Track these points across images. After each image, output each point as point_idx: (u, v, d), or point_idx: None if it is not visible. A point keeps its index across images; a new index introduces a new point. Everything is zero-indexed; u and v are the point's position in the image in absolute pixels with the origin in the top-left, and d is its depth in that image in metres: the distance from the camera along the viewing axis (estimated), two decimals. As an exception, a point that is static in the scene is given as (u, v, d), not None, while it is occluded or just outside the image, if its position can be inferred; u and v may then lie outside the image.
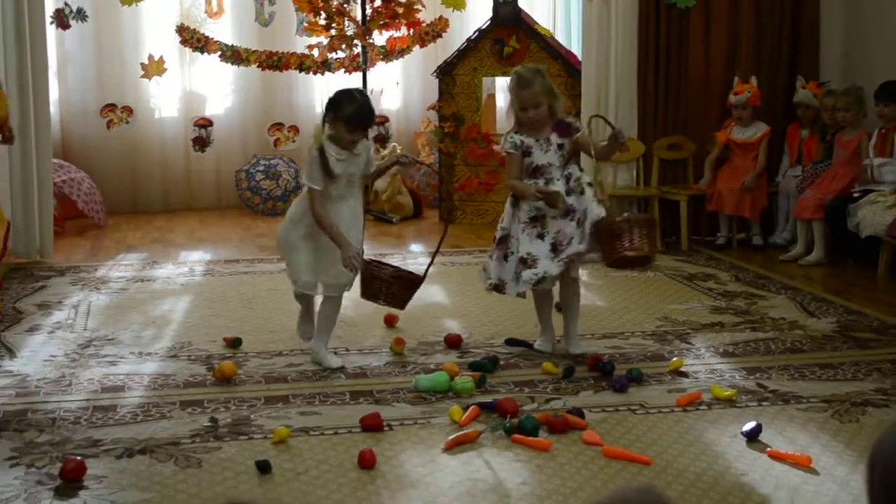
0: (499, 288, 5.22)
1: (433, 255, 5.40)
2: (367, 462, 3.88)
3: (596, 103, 8.51)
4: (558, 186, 5.06)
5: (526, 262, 5.10)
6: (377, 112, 10.46)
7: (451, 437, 4.14)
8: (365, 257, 5.10)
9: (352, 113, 4.94)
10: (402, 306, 5.25)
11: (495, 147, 5.29)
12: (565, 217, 5.07)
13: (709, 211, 8.40)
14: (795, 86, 8.34)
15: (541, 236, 5.10)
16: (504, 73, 9.40)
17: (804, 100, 8.23)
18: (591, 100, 8.54)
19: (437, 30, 10.11)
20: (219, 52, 9.99)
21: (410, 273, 5.27)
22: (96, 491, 3.70)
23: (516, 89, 5.09)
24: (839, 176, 7.68)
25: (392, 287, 5.14)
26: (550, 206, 5.03)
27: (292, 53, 10.09)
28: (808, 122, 8.24)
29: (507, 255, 5.18)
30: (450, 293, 6.72)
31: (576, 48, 9.95)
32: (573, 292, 5.34)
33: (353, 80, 10.21)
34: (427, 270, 5.27)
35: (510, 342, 5.50)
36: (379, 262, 5.29)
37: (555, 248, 5.07)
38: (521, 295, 5.21)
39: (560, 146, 5.10)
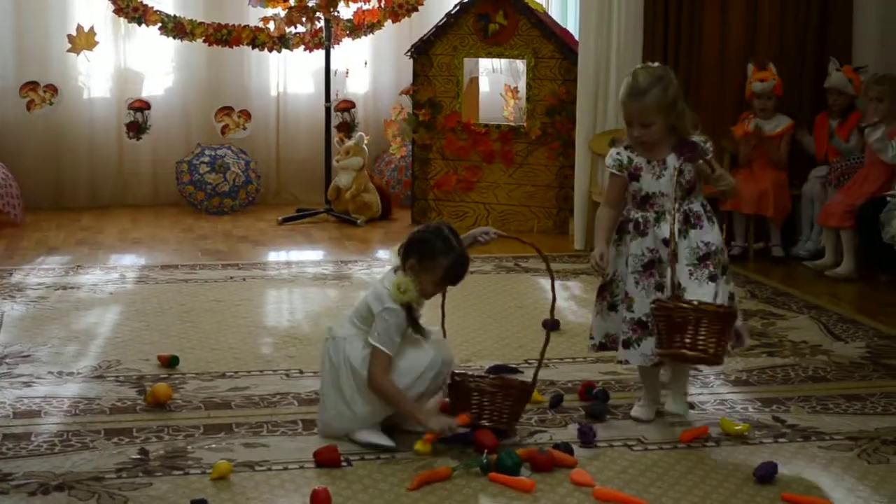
0: (606, 346, 4.89)
1: (539, 364, 4.75)
2: (321, 502, 3.88)
3: (594, 91, 8.54)
4: (666, 225, 4.63)
5: (646, 325, 4.70)
6: (341, 96, 10.55)
7: (418, 475, 4.15)
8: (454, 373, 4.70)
9: (450, 266, 4.50)
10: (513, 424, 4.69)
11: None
12: None
13: (723, 212, 8.39)
14: (828, 69, 8.32)
15: (660, 287, 4.68)
16: (488, 54, 9.44)
17: (837, 84, 8.23)
18: (588, 86, 8.56)
19: (412, 2, 10.12)
20: (159, 24, 9.96)
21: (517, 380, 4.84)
22: (5, 533, 3.69)
23: (624, 98, 4.67)
24: (871, 177, 7.71)
25: (496, 400, 4.59)
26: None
27: (244, 27, 10.07)
28: (839, 112, 8.25)
29: (615, 305, 4.82)
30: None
31: (572, 26, 9.97)
32: None
33: (314, 59, 10.22)
34: (535, 377, 4.75)
35: (495, 370, 5.44)
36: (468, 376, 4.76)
37: None
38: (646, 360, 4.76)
39: (680, 172, 4.64)
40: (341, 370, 4.49)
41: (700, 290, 4.54)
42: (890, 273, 7.60)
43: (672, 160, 4.64)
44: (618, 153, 4.75)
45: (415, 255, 4.48)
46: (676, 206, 4.61)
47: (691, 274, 4.59)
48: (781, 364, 5.70)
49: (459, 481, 4.15)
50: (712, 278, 4.59)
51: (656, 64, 4.81)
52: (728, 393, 5.22)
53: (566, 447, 4.41)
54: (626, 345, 4.71)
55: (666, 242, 4.58)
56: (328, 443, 4.40)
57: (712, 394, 5.20)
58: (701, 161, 4.60)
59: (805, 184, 8.37)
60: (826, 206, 7.82)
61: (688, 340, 4.41)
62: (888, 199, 7.26)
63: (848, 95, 8.16)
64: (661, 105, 4.59)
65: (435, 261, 4.46)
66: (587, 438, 4.52)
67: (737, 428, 4.67)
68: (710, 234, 4.66)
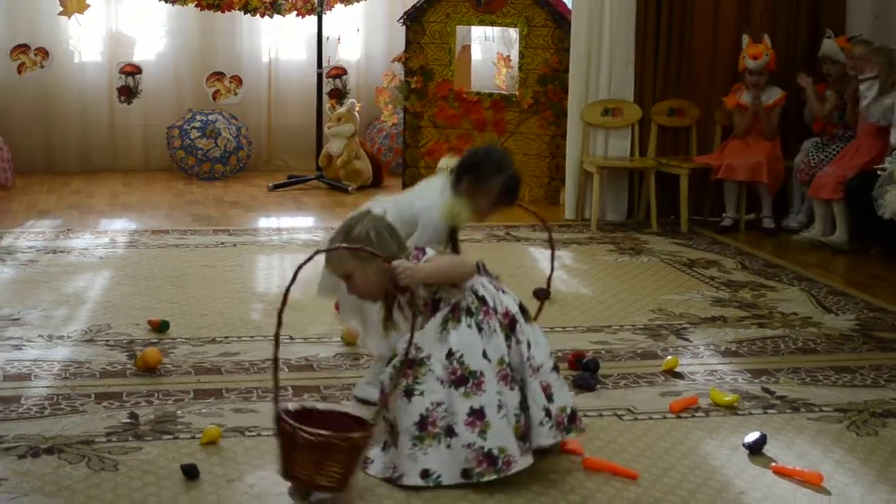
0: None
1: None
2: None
3: (587, 60, 8.51)
4: None
5: None
6: (333, 63, 10.51)
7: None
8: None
9: (504, 186, 4.49)
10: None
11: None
12: None
13: (714, 181, 8.38)
14: (823, 39, 8.31)
15: None
16: (481, 21, 9.41)
17: (830, 53, 8.22)
18: (580, 56, 8.53)
19: (405, -31, 10.09)
20: (151, -12, 9.93)
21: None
22: (-6, 496, 3.69)
23: None
24: (863, 149, 7.71)
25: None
26: None
27: (236, -9, 10.05)
28: (834, 81, 8.23)
29: None
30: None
31: (565, -6, 9.95)
32: None
33: (306, 25, 10.18)
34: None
35: None
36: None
37: None
38: None
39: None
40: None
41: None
42: (880, 246, 7.60)
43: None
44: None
45: (469, 177, 4.49)
46: None
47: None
48: (771, 336, 5.70)
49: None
50: (408, 393, 3.88)
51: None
52: (718, 364, 5.22)
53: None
54: None
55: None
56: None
57: (702, 364, 5.20)
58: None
59: (797, 155, 8.36)
60: (817, 178, 7.81)
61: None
62: (878, 172, 7.25)
63: (841, 64, 8.14)
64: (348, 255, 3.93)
65: (489, 182, 4.48)
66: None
67: (726, 399, 4.67)
68: (428, 337, 3.91)
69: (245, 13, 10.09)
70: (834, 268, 7.30)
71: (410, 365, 3.83)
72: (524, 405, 3.92)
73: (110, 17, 10.35)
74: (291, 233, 7.87)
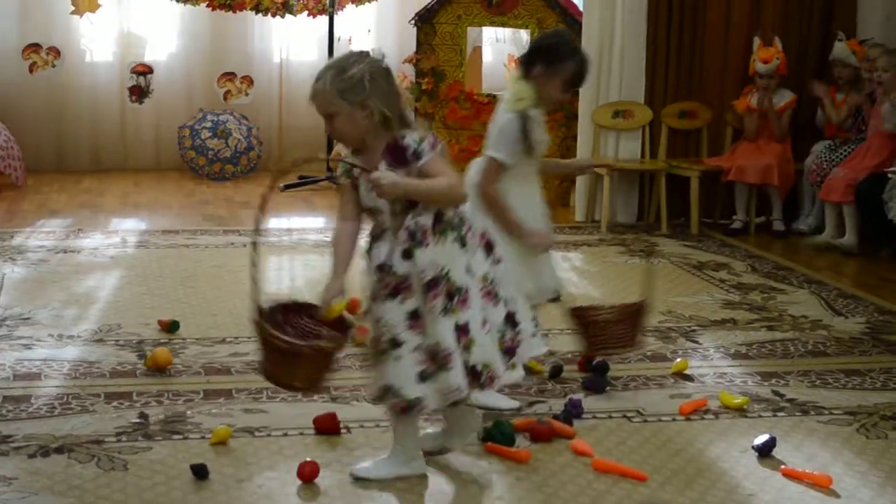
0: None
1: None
2: (307, 476, 3.87)
3: (598, 61, 8.50)
4: (385, 246, 3.84)
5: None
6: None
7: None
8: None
9: (577, 68, 4.54)
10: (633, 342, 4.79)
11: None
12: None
13: (725, 183, 8.38)
14: (834, 42, 8.31)
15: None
16: (492, 23, 9.41)
17: (841, 56, 8.21)
18: (592, 57, 8.50)
19: (416, -30, 10.08)
20: (162, -12, 9.94)
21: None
22: (4, 495, 3.69)
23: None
24: (872, 150, 7.70)
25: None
26: None
27: (248, -8, 10.06)
28: (845, 85, 8.23)
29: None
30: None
31: (577, -4, 9.94)
32: None
33: (317, 25, 10.19)
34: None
35: None
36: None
37: None
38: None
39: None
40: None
41: (439, 328, 3.74)
42: (890, 248, 7.59)
43: (384, 168, 3.73)
44: (345, 155, 3.95)
45: (541, 60, 4.51)
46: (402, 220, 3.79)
47: (425, 304, 3.77)
48: (781, 338, 5.69)
49: (457, 450, 4.15)
50: (445, 311, 3.73)
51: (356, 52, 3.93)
52: (728, 366, 5.22)
53: (566, 417, 4.42)
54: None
55: (382, 268, 3.78)
56: (328, 410, 4.39)
57: (712, 367, 5.19)
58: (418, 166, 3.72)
59: (808, 157, 8.35)
60: (828, 181, 7.80)
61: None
62: (889, 175, 7.25)
63: (852, 67, 8.13)
64: (336, 91, 3.74)
65: (563, 64, 4.50)
66: (573, 414, 4.49)
67: (736, 401, 4.67)
68: (437, 254, 3.76)
69: (256, 13, 10.10)
70: (844, 270, 7.29)
71: (437, 284, 3.72)
72: (511, 321, 3.89)
73: (122, 17, 10.36)
74: (302, 233, 7.87)
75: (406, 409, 3.77)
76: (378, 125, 3.73)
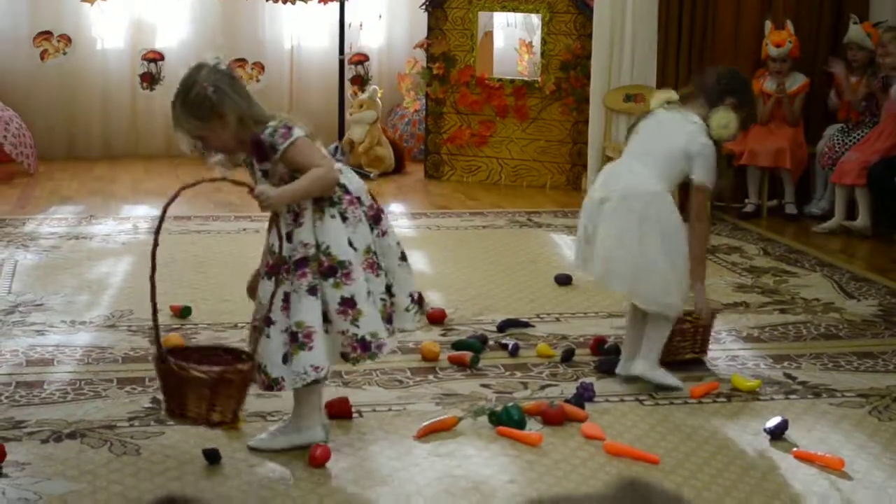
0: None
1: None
2: (319, 460, 3.88)
3: (609, 45, 8.50)
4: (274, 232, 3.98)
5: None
6: (355, 50, 10.51)
7: (424, 424, 4.16)
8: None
9: (754, 109, 4.84)
10: None
11: None
12: None
13: (737, 167, 8.36)
14: (849, 25, 8.28)
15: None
16: (503, 8, 9.39)
17: (856, 39, 8.17)
18: (603, 41, 8.52)
19: (427, -45, 10.07)
20: (173, -25, 9.94)
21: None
22: (17, 480, 3.71)
23: None
24: (885, 133, 7.68)
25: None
26: None
27: (259, -22, 10.06)
28: (859, 68, 8.20)
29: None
30: (433, 261, 6.72)
31: (588, -20, 9.93)
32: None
33: (328, 11, 10.19)
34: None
35: (504, 326, 5.47)
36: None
37: None
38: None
39: (263, 173, 4.02)
40: (649, 227, 4.55)
41: (303, 306, 3.87)
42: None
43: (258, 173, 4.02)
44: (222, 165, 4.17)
45: (734, 97, 4.68)
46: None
47: (291, 283, 3.90)
48: (793, 321, 5.69)
49: (467, 431, 4.17)
50: (312, 290, 3.87)
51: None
52: (740, 349, 5.22)
53: (577, 401, 4.42)
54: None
55: (272, 252, 3.93)
56: (340, 395, 4.40)
57: (724, 350, 5.19)
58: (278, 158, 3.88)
59: (820, 141, 8.33)
60: (840, 164, 7.78)
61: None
62: (901, 157, 7.25)
63: (867, 50, 8.10)
64: (191, 114, 3.91)
65: (749, 104, 4.80)
66: (585, 398, 4.49)
67: (748, 384, 4.67)
68: (309, 232, 3.90)
69: (267, 0, 10.09)
70: (856, 253, 7.28)
71: (305, 263, 3.87)
72: (390, 291, 4.01)
73: (133, 4, 10.35)
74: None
75: (269, 388, 3.91)
76: (239, 126, 3.87)
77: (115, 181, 9.29)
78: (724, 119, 4.63)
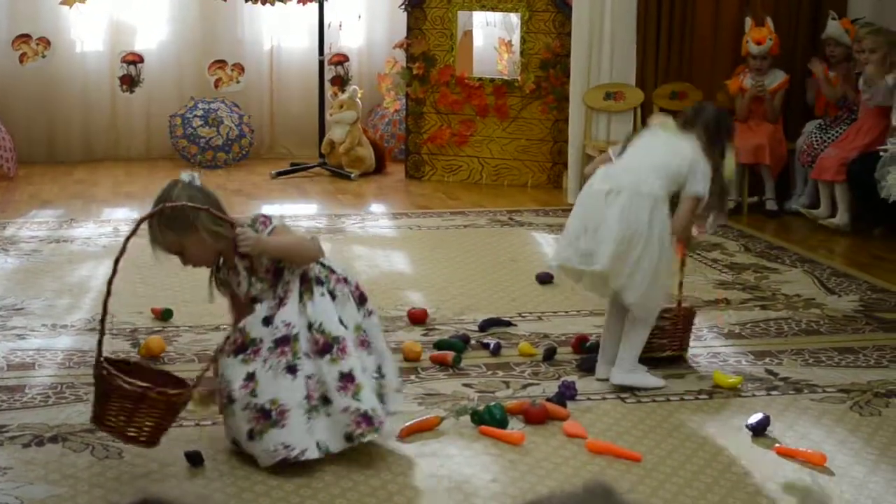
0: None
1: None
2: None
3: (588, 44, 8.51)
4: None
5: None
6: (335, 50, 10.51)
7: (407, 424, 4.16)
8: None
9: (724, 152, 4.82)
10: None
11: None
12: None
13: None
14: (827, 21, 8.30)
15: (291, 369, 3.89)
16: (483, 7, 9.40)
17: (834, 34, 8.21)
18: (582, 39, 8.53)
19: (406, -45, 10.07)
20: (151, -23, 9.92)
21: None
22: (-1, 484, 3.70)
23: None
24: (864, 129, 7.71)
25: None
26: None
27: (237, -21, 10.04)
28: (837, 64, 8.23)
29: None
30: (414, 261, 6.72)
31: (566, -21, 9.93)
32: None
33: (307, 12, 10.17)
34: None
35: (486, 325, 5.48)
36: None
37: None
38: None
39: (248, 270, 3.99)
40: (643, 231, 4.56)
41: (280, 384, 3.83)
42: (883, 227, 7.60)
43: (242, 269, 3.99)
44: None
45: (726, 139, 4.81)
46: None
47: (265, 362, 3.87)
48: (774, 317, 5.71)
49: (450, 430, 4.17)
50: (290, 369, 3.84)
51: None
52: (721, 346, 5.24)
53: (559, 399, 4.43)
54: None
55: (237, 328, 3.99)
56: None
57: (705, 347, 5.20)
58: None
59: (799, 138, 8.35)
60: (820, 160, 7.81)
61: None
62: (880, 154, 7.26)
63: (845, 46, 8.13)
64: (168, 229, 3.91)
65: (731, 144, 4.87)
66: (567, 396, 4.50)
67: (730, 381, 4.68)
68: (293, 313, 3.89)
69: (246, 0, 10.08)
70: (836, 249, 7.30)
71: (286, 342, 3.85)
72: (379, 371, 4.01)
73: (112, 6, 10.32)
74: (294, 220, 7.84)
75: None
76: (214, 238, 3.88)
77: (96, 184, 9.27)
78: (732, 161, 4.80)
